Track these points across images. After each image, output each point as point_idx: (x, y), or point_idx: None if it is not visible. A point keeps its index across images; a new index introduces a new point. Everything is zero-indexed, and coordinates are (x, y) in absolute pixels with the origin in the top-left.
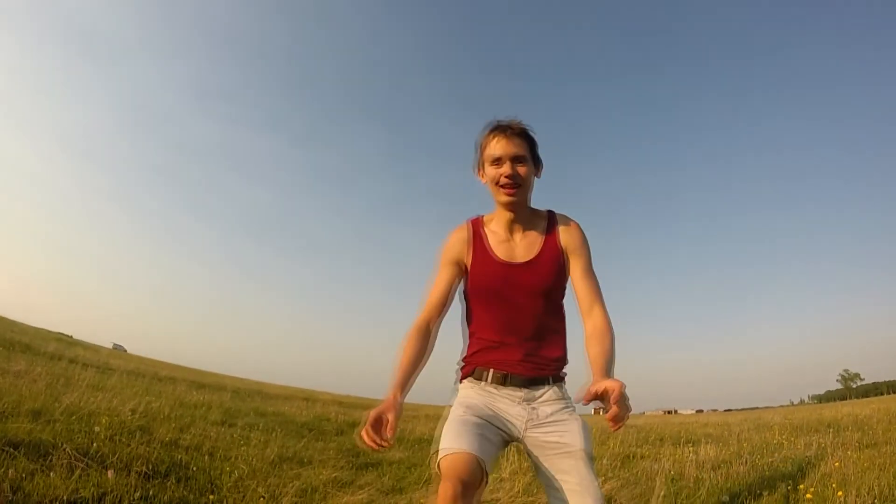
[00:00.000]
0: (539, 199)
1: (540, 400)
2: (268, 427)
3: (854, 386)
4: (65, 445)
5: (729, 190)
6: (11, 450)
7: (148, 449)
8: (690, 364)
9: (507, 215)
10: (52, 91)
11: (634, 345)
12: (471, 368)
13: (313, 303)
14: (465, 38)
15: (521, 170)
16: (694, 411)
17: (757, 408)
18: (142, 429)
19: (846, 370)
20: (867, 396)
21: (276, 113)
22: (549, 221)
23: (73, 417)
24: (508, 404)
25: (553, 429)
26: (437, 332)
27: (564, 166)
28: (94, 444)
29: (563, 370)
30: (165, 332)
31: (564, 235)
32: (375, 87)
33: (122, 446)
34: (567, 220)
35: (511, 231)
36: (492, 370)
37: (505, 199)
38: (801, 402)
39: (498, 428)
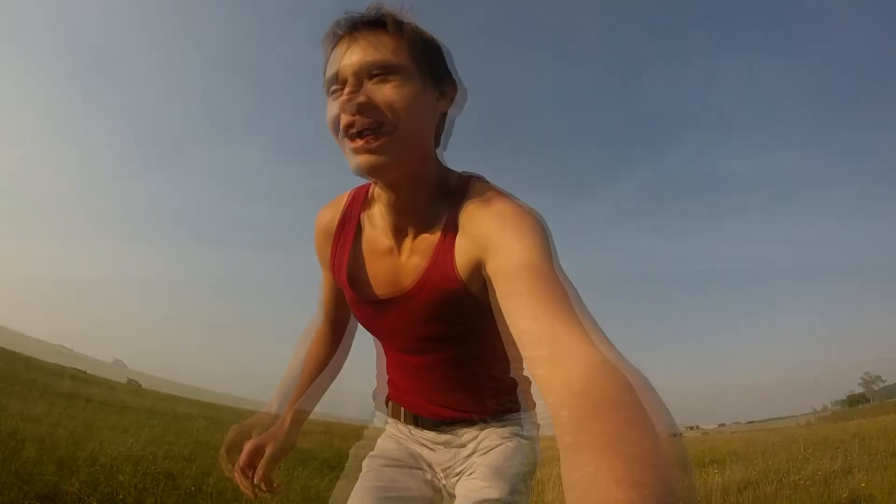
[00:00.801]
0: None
1: (470, 446)
2: (288, 465)
3: (876, 388)
4: (90, 498)
5: (745, 195)
6: None
7: (173, 496)
8: (711, 375)
9: (387, 197)
10: (62, 102)
11: (652, 358)
12: (385, 399)
13: None
14: (467, 56)
15: (387, 93)
16: (716, 425)
17: (780, 418)
18: (166, 475)
19: (867, 373)
20: (891, 397)
21: (283, 133)
22: (454, 206)
23: (96, 466)
24: (426, 449)
25: (469, 469)
26: (349, 338)
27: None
28: (121, 495)
29: (513, 401)
30: (166, 347)
31: (468, 234)
32: None
33: (148, 495)
34: (483, 196)
35: (397, 229)
36: (403, 408)
37: (355, 161)
38: (825, 407)
39: (424, 474)
